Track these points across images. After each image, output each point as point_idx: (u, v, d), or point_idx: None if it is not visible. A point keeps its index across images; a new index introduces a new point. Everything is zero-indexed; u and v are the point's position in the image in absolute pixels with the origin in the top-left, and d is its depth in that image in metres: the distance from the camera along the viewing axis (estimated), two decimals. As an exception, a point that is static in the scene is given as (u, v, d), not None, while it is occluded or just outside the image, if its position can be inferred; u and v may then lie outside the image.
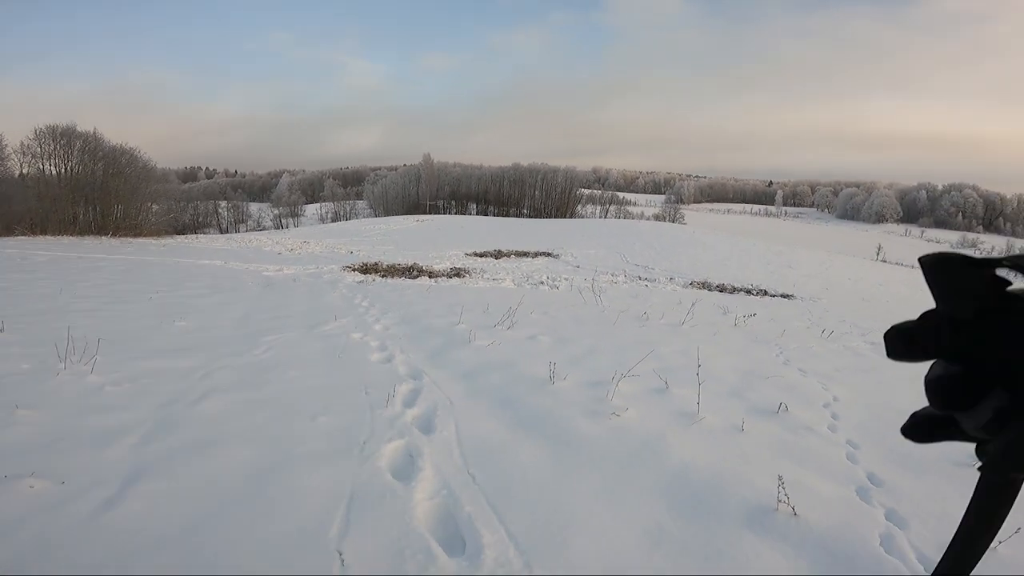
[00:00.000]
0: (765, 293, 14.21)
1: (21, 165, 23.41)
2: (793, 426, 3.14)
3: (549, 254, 20.72)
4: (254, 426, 2.73)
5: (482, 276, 13.25)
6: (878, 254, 49.04)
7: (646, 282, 14.83)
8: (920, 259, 0.32)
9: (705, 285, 14.98)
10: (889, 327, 0.34)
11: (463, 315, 5.85)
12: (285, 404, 3.06)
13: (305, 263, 14.45)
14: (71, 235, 22.32)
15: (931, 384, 0.32)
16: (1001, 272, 0.30)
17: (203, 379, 3.50)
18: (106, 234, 23.80)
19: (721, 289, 14.36)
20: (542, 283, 12.67)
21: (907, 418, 0.36)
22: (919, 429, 0.35)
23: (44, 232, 21.77)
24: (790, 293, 14.58)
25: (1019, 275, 0.31)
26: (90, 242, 19.83)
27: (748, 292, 14.21)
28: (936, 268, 0.31)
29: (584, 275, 15.23)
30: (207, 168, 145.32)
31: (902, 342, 0.33)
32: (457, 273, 13.49)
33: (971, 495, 0.35)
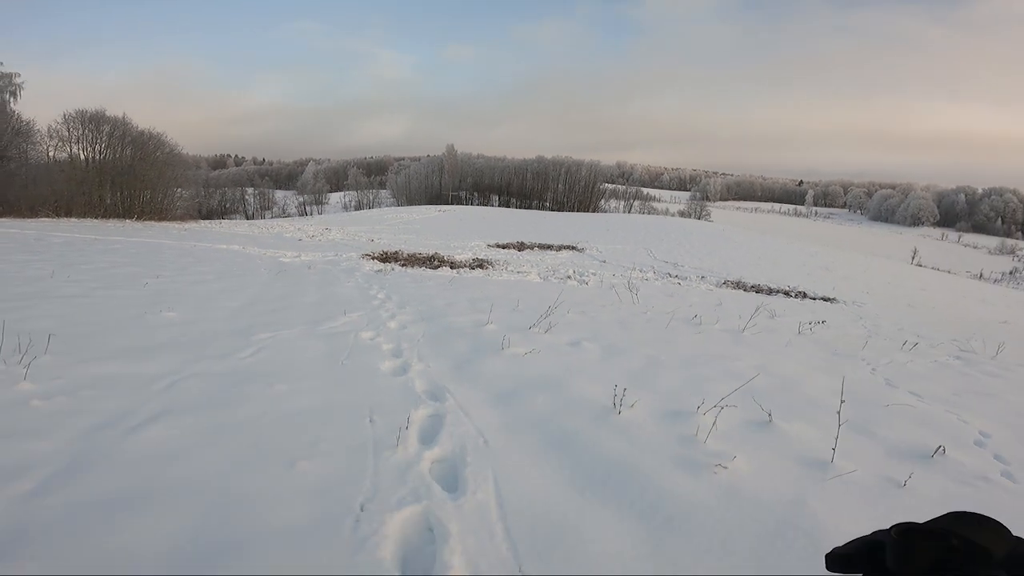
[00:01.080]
0: (805, 296, 13.07)
1: (48, 149, 23.21)
2: (963, 477, 2.21)
3: (573, 247, 19.77)
4: (204, 472, 1.88)
5: (506, 268, 12.37)
6: (914, 258, 46.83)
7: (677, 280, 13.77)
8: (891, 529, 0.44)
9: (739, 285, 13.89)
10: (830, 551, 0.47)
11: (491, 313, 4.97)
12: (258, 436, 2.22)
13: (324, 250, 13.76)
14: (95, 218, 22.10)
15: None
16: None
17: (163, 392, 2.68)
18: (131, 217, 23.58)
19: (757, 290, 13.27)
20: (569, 277, 11.74)
21: None
22: None
23: (69, 214, 21.56)
24: (832, 296, 13.39)
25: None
26: (113, 225, 19.47)
27: (786, 294, 13.10)
28: (904, 540, 0.43)
29: (612, 270, 14.27)
30: (236, 155, 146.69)
31: (841, 565, 0.46)
32: (480, 264, 12.64)
33: None
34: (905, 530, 0.42)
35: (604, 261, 17.24)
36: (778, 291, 13.19)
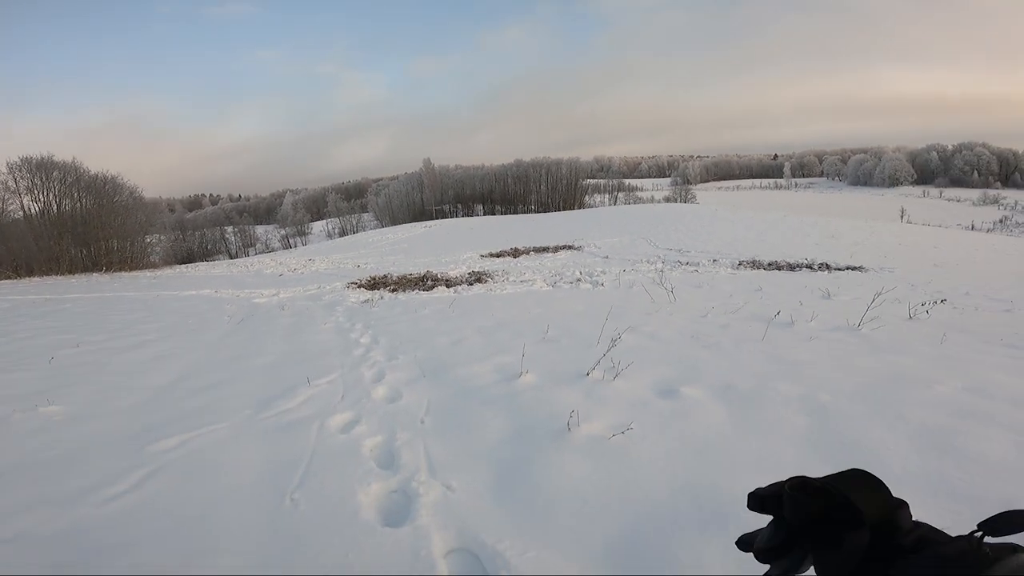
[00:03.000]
0: (830, 268, 11.72)
1: (-3, 203, 21.20)
2: None
3: (571, 247, 18.25)
4: None
5: (507, 279, 10.85)
6: (903, 217, 45.96)
7: (693, 268, 12.29)
8: (786, 482, 0.52)
9: (755, 264, 12.48)
10: (752, 490, 0.53)
11: (517, 349, 3.46)
12: None
13: (306, 283, 12.16)
14: (60, 274, 20.25)
15: (759, 553, 0.50)
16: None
17: None
18: (99, 270, 21.74)
19: (777, 267, 11.88)
20: (579, 280, 10.22)
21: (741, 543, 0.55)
22: (745, 547, 0.54)
23: (31, 273, 19.71)
24: (856, 265, 12.00)
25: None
26: (77, 280, 17.64)
27: (810, 267, 11.73)
28: (794, 492, 0.50)
29: (619, 266, 12.78)
30: (211, 194, 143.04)
31: (757, 504, 0.53)
32: (478, 278, 11.11)
33: None
34: (798, 484, 0.50)
35: (607, 257, 15.72)
36: (800, 265, 11.79)
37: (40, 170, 21.44)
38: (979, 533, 0.43)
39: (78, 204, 22.88)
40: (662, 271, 11.37)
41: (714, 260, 13.37)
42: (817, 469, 1.61)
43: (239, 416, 2.65)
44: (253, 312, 7.84)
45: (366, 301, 8.12)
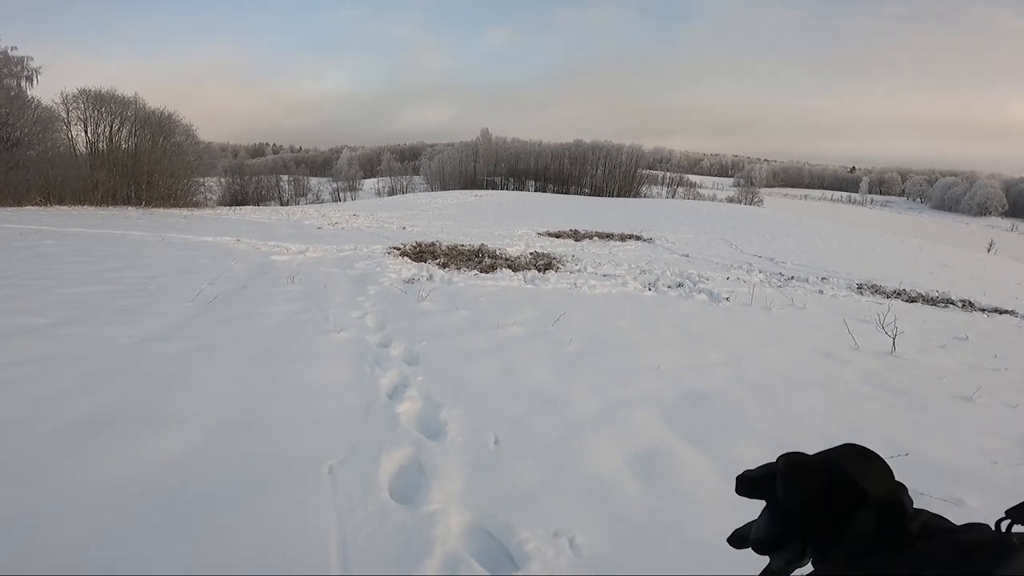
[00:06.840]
0: (973, 306, 8.49)
1: (41, 131, 19.83)
2: None
3: (638, 237, 15.24)
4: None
5: (584, 270, 8.19)
6: (990, 249, 40.73)
7: (811, 286, 9.24)
8: (779, 459, 0.44)
9: (878, 290, 9.32)
10: (740, 473, 0.45)
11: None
12: None
13: (341, 241, 9.92)
14: (93, 205, 18.83)
15: (755, 543, 0.43)
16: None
17: None
18: (138, 204, 20.28)
19: (910, 298, 8.73)
20: (681, 285, 7.50)
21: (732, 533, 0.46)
22: (740, 543, 0.46)
23: (61, 202, 18.33)
24: (1007, 308, 8.65)
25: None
26: (104, 213, 16.05)
27: (949, 302, 8.59)
28: (788, 470, 0.42)
29: (715, 271, 9.80)
30: (274, 144, 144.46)
31: (748, 488, 0.45)
32: (548, 264, 8.51)
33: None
34: (792, 461, 0.43)
35: (686, 255, 12.67)
36: (938, 300, 8.57)
37: (97, 102, 20.09)
38: (1007, 521, 0.40)
39: (132, 139, 21.55)
40: (778, 285, 8.51)
41: (823, 278, 10.22)
42: None
43: None
44: (253, 280, 5.54)
45: (410, 281, 5.70)
